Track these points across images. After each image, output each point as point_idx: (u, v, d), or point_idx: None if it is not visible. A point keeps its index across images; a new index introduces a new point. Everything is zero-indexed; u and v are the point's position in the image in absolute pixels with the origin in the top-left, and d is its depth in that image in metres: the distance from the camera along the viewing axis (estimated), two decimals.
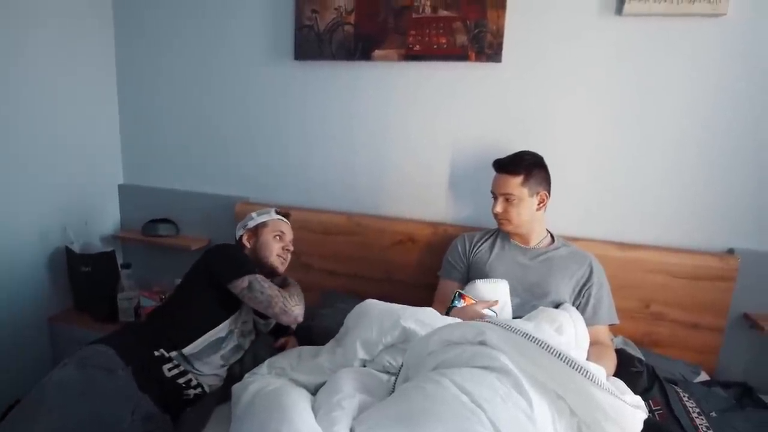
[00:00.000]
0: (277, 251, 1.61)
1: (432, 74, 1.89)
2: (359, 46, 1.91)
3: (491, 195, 1.64)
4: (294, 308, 1.44)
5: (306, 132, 2.10)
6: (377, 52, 1.89)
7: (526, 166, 1.58)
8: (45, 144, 2.02)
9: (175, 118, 2.29)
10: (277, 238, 1.63)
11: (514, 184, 1.57)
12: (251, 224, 1.64)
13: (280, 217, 1.69)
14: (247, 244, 1.62)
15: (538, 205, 1.60)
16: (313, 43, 1.96)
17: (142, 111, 2.34)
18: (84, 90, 2.18)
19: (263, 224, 1.64)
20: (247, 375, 1.37)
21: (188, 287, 1.51)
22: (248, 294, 1.42)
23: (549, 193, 1.62)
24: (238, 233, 1.66)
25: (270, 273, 1.61)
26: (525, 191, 1.57)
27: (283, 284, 1.59)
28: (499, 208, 1.60)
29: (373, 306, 1.41)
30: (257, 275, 1.44)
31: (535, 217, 1.61)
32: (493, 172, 1.64)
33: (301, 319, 1.47)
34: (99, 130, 2.29)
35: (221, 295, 1.45)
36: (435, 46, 1.83)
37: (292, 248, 1.67)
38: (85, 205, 2.24)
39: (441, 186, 1.98)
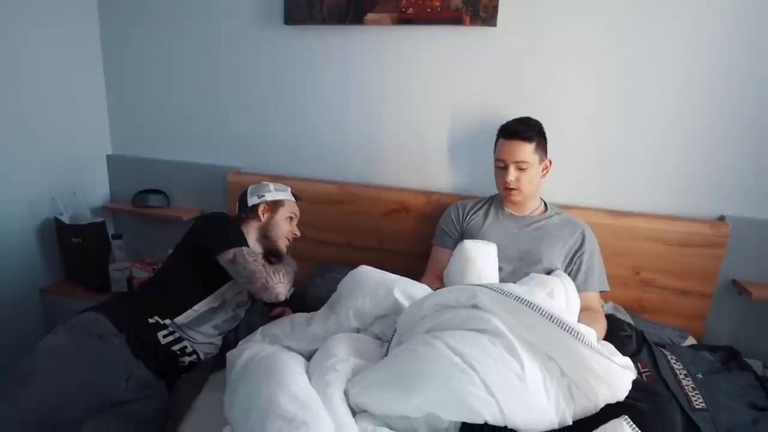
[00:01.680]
0: (286, 233, 1.61)
1: (426, 39, 1.85)
2: (351, 10, 1.85)
3: (499, 164, 1.58)
4: (276, 286, 1.40)
5: (297, 100, 2.06)
6: (369, 16, 1.84)
7: (537, 131, 1.55)
8: (31, 115, 1.97)
9: (162, 88, 2.24)
10: (290, 220, 1.63)
11: (528, 150, 1.52)
12: (270, 197, 1.61)
13: (294, 200, 1.68)
14: (261, 216, 1.59)
15: (543, 172, 1.59)
16: (303, 6, 1.90)
17: (129, 80, 2.28)
18: (69, 60, 2.12)
19: (281, 202, 1.62)
20: (241, 342, 1.37)
21: (179, 258, 1.50)
22: (232, 267, 1.40)
23: (550, 161, 1.61)
24: (252, 200, 1.61)
25: (273, 253, 1.61)
26: (536, 158, 1.54)
27: (278, 261, 1.59)
28: (511, 177, 1.53)
29: (367, 275, 1.41)
30: (243, 248, 1.41)
31: (539, 185, 1.60)
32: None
33: (282, 297, 1.43)
34: (85, 100, 2.23)
35: (211, 266, 1.43)
36: (428, 10, 1.78)
37: (298, 234, 1.66)
38: (74, 176, 2.20)
39: (435, 154, 1.96)
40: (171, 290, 1.43)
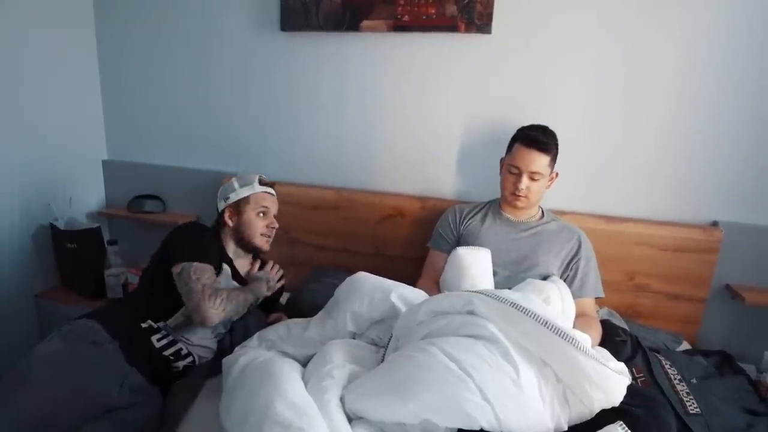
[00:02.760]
0: (261, 230, 1.54)
1: (421, 46, 1.86)
2: (347, 17, 1.86)
3: (512, 169, 1.57)
4: (208, 310, 1.31)
5: (294, 105, 2.07)
6: (365, 23, 1.85)
7: (555, 144, 1.56)
8: (25, 121, 1.96)
9: (158, 93, 2.24)
10: (261, 215, 1.55)
11: (544, 162, 1.53)
12: (233, 198, 1.55)
13: (265, 188, 1.58)
14: (230, 222, 1.54)
15: (549, 183, 1.61)
16: (299, 13, 1.91)
17: (125, 86, 2.28)
18: (64, 66, 2.11)
19: (245, 200, 1.54)
20: (237, 348, 1.37)
21: (158, 263, 1.47)
22: (178, 281, 1.36)
23: (557, 173, 1.62)
24: (220, 206, 1.57)
25: (255, 252, 1.58)
26: (549, 170, 1.56)
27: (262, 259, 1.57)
28: (524, 185, 1.53)
29: (365, 280, 1.41)
30: (195, 264, 1.36)
31: (543, 194, 1.61)
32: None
33: (210, 324, 1.34)
34: (80, 105, 2.22)
35: None
36: (424, 17, 1.79)
37: (276, 225, 1.59)
38: (69, 181, 2.19)
39: (430, 160, 1.97)
40: (157, 294, 1.42)
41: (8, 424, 1.06)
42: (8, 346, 1.96)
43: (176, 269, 1.37)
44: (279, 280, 1.63)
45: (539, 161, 1.52)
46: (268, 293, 1.56)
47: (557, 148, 1.58)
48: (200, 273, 1.36)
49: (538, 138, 1.53)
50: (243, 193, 1.55)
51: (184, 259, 1.37)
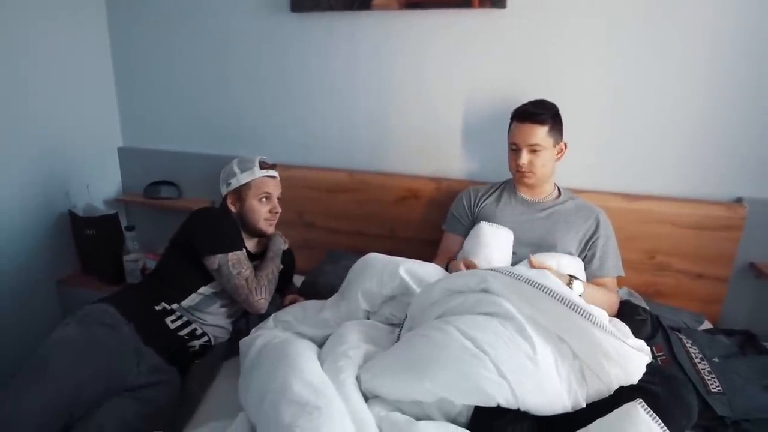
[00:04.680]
0: (264, 216, 1.53)
1: (434, 23, 1.82)
2: None
3: (512, 146, 1.56)
4: (258, 302, 1.41)
5: (306, 87, 2.05)
6: (377, 1, 1.82)
7: (551, 114, 1.53)
8: (41, 109, 1.98)
9: (171, 79, 2.24)
10: (264, 200, 1.53)
11: (541, 133, 1.50)
12: (234, 184, 1.53)
13: (266, 171, 1.55)
14: (233, 208, 1.53)
15: (557, 155, 1.57)
16: None
17: (138, 73, 2.28)
18: (77, 53, 2.12)
19: (247, 186, 1.52)
20: (253, 330, 1.39)
21: (175, 248, 1.49)
22: (217, 276, 1.40)
23: (565, 144, 1.58)
24: (222, 190, 1.57)
25: (259, 236, 1.58)
26: (550, 141, 1.52)
27: (264, 252, 1.56)
28: (524, 160, 1.52)
29: (376, 259, 1.42)
30: (229, 255, 1.40)
31: (553, 168, 1.58)
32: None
33: (263, 311, 1.44)
34: (94, 94, 2.24)
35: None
36: None
37: (279, 210, 1.57)
38: (86, 169, 2.21)
39: (444, 140, 1.94)
40: (172, 278, 1.44)
41: (33, 408, 1.08)
42: (33, 332, 2.00)
43: (212, 264, 1.39)
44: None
45: (535, 133, 1.50)
46: (285, 245, 1.63)
47: (556, 119, 1.54)
48: (239, 265, 1.41)
49: (528, 110, 1.52)
50: (244, 179, 1.52)
51: (218, 251, 1.39)
